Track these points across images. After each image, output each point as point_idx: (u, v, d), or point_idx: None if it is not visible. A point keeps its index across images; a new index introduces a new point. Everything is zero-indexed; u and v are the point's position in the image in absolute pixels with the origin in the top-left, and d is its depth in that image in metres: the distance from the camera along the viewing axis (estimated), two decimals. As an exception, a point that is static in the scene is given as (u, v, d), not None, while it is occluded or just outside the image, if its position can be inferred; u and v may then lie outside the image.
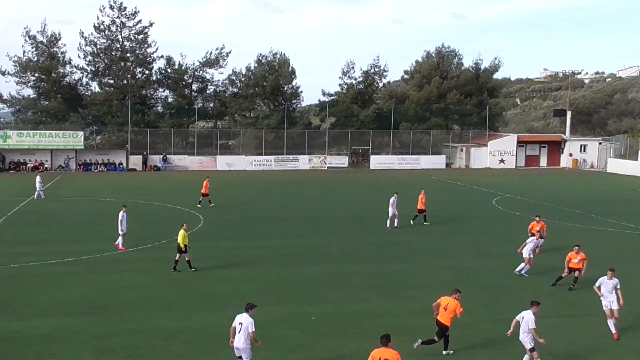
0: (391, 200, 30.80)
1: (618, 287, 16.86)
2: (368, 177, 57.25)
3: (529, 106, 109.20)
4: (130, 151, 63.20)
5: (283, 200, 41.03)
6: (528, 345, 13.81)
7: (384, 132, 68.25)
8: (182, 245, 21.93)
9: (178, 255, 22.11)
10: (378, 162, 66.40)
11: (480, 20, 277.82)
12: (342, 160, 66.43)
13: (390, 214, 30.65)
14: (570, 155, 69.18)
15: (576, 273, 20.33)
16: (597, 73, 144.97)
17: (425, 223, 31.52)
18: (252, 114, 69.80)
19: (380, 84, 74.08)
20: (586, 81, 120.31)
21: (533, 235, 23.62)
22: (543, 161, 70.10)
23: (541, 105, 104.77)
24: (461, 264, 23.98)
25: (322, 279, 21.46)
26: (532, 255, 22.36)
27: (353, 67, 71.78)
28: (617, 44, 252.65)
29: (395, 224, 30.67)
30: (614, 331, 16.26)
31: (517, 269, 22.27)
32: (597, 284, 17.09)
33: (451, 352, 14.82)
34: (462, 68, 74.44)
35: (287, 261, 23.99)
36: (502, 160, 67.87)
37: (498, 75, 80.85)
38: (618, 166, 63.44)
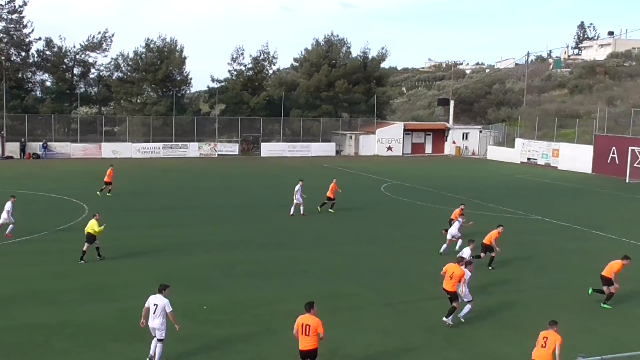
0: (296, 188, 30.95)
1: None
2: (259, 165, 57.14)
3: (415, 95, 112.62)
4: (6, 138, 59.67)
5: (172, 189, 40.18)
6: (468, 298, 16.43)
7: (274, 119, 68.28)
8: (93, 234, 21.38)
9: (86, 245, 21.41)
10: (269, 149, 66.41)
11: (369, 10, 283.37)
12: (233, 148, 65.90)
13: (295, 202, 30.82)
14: (454, 142, 72.05)
15: (492, 253, 21.81)
16: (477, 64, 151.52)
17: (330, 210, 31.78)
18: (139, 100, 67.71)
19: (270, 71, 73.96)
20: (467, 72, 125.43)
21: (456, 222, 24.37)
22: (428, 148, 72.62)
23: (426, 94, 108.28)
24: (352, 249, 24.46)
25: (214, 267, 21.25)
26: (458, 235, 23.64)
27: (242, 54, 71.23)
28: (495, 37, 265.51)
29: (301, 211, 30.84)
30: None
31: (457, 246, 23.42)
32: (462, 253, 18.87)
33: (451, 322, 15.96)
34: (351, 57, 75.57)
35: (177, 250, 23.54)
36: (389, 148, 69.71)
37: (385, 65, 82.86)
38: (497, 153, 66.79)
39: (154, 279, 19.56)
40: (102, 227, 21.68)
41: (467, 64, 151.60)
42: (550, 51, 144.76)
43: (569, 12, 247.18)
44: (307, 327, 12.28)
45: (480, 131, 72.73)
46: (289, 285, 19.36)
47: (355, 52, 76.95)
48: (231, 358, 14.02)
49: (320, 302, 16.05)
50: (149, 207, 32.75)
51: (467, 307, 16.39)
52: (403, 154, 70.18)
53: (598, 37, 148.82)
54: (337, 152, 69.30)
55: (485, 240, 22.11)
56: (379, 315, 16.90)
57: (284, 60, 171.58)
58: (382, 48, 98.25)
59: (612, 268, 18.25)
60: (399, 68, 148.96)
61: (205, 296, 17.96)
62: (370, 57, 76.33)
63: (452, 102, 75.06)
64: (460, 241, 23.66)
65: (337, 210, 32.30)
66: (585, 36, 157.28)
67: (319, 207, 31.91)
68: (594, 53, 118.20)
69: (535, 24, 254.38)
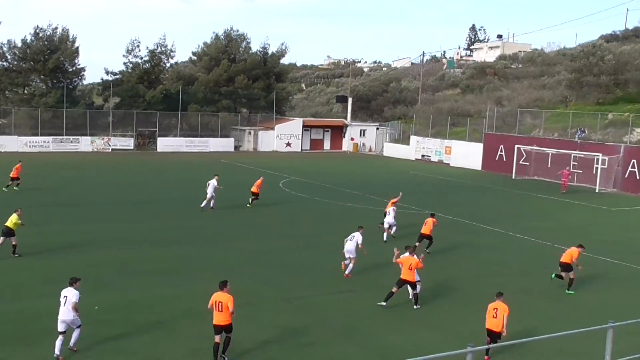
0: (210, 182, 31.11)
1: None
2: (156, 160, 55.81)
3: (314, 91, 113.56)
4: None
5: (62, 184, 38.52)
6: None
7: (171, 113, 66.82)
8: (13, 228, 21.13)
9: (14, 239, 21.13)
10: (165, 144, 64.94)
11: (269, 5, 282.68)
12: (128, 142, 63.96)
13: (208, 196, 30.87)
14: (352, 139, 73.22)
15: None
16: (375, 62, 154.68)
17: (248, 205, 32.41)
18: (26, 91, 64.36)
19: (168, 65, 72.34)
20: (365, 69, 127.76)
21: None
22: (327, 145, 73.42)
23: (325, 91, 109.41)
24: (251, 245, 24.35)
25: (107, 266, 20.55)
26: (394, 222, 26.08)
27: (139, 46, 69.21)
28: (392, 36, 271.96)
29: (212, 206, 30.91)
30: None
31: (392, 232, 26.16)
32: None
33: (419, 306, 17.43)
34: (250, 52, 75.17)
35: (68, 249, 22.59)
36: (288, 144, 69.93)
37: (285, 61, 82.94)
38: (393, 150, 68.49)
39: (41, 279, 18.71)
40: (20, 222, 21.46)
41: (365, 62, 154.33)
42: (444, 52, 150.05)
43: (461, 15, 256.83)
44: (220, 304, 13.38)
45: (377, 128, 74.27)
46: (186, 283, 19.03)
47: (255, 47, 76.69)
48: (123, 359, 13.61)
49: (218, 299, 15.90)
50: (37, 204, 31.22)
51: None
52: (302, 150, 70.59)
53: (488, 39, 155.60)
54: (236, 147, 68.77)
55: (423, 231, 23.94)
56: (276, 311, 16.92)
57: (182, 53, 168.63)
58: (282, 44, 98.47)
59: (571, 255, 19.69)
60: (298, 65, 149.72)
61: (97, 296, 17.32)
62: (270, 52, 76.22)
63: (350, 100, 76.20)
64: (395, 228, 26.06)
65: (236, 206, 32.06)
66: (477, 38, 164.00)
67: (249, 204, 32.43)
68: (484, 55, 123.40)
69: (430, 25, 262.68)
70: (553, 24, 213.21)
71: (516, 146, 50.98)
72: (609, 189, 44.57)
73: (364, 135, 73.81)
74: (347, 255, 20.47)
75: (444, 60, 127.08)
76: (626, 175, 44.36)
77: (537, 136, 53.88)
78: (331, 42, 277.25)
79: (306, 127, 71.65)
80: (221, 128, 68.56)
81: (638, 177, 43.50)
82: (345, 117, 75.30)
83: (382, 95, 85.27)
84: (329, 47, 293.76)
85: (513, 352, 14.09)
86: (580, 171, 45.35)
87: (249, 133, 70.23)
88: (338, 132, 73.82)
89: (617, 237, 28.72)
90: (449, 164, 59.53)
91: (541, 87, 70.42)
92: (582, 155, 46.40)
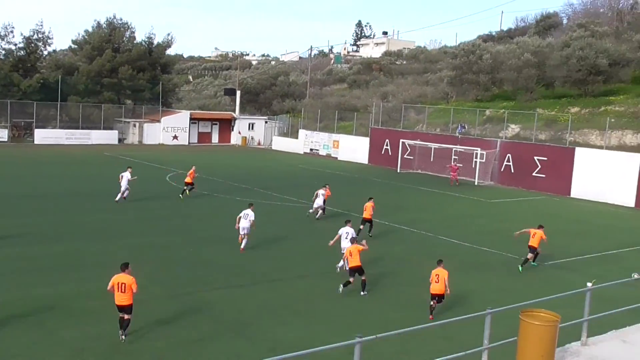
0: (123, 174, 31.37)
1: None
2: (33, 152, 53.02)
3: (201, 84, 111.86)
4: None
5: None
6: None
7: (50, 104, 63.63)
8: None
9: None
10: (44, 136, 61.78)
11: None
12: (2, 134, 60.32)
13: (122, 188, 31.16)
14: (240, 132, 72.79)
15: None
16: (263, 56, 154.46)
17: (181, 195, 33.42)
18: None
19: (45, 52, 68.80)
20: (254, 62, 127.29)
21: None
22: (215, 138, 72.59)
23: (213, 83, 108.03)
24: (138, 241, 23.69)
25: (-21, 266, 19.32)
26: (323, 206, 29.57)
27: (12, 32, 65.32)
28: (280, 30, 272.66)
29: (124, 196, 31.26)
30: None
31: (315, 215, 29.35)
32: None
33: (365, 292, 18.48)
34: (135, 42, 72.87)
35: None
36: (175, 137, 68.51)
37: (171, 52, 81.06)
38: (282, 144, 68.75)
39: None
40: None
41: (254, 55, 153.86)
42: (331, 47, 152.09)
43: (348, 11, 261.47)
44: (123, 285, 14.05)
45: (266, 122, 74.25)
46: (67, 282, 18.24)
47: (140, 37, 74.38)
48: (0, 364, 12.88)
49: (100, 297, 15.37)
50: None
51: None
52: (189, 143, 69.39)
53: (374, 36, 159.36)
54: (120, 140, 66.54)
55: (365, 216, 25.89)
56: (164, 308, 16.58)
57: (62, 41, 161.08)
58: (168, 34, 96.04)
59: (540, 237, 21.97)
60: (185, 56, 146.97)
61: (-32, 298, 16.27)
62: (155, 43, 74.21)
63: (238, 93, 75.69)
64: (321, 211, 29.42)
65: (123, 201, 31.08)
66: (363, 34, 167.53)
67: (181, 195, 33.36)
68: (371, 51, 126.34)
69: (318, 20, 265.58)
70: (435, 22, 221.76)
71: (401, 140, 52.58)
72: (486, 182, 46.95)
73: (252, 128, 73.57)
74: (242, 232, 22.80)
75: (332, 55, 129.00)
76: (502, 169, 46.89)
77: (421, 131, 55.85)
78: (219, 34, 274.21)
79: (194, 120, 70.48)
80: (104, 120, 66.06)
81: (513, 171, 46.11)
82: (234, 110, 74.74)
83: (271, 89, 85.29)
84: (217, 38, 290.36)
85: (401, 341, 14.55)
86: (461, 165, 47.45)
87: (134, 125, 68.16)
88: (226, 125, 73.15)
89: (493, 227, 30.32)
90: (337, 158, 60.48)
91: (424, 84, 72.95)
92: (462, 150, 48.57)
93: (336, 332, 15.15)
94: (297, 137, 66.89)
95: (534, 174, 44.60)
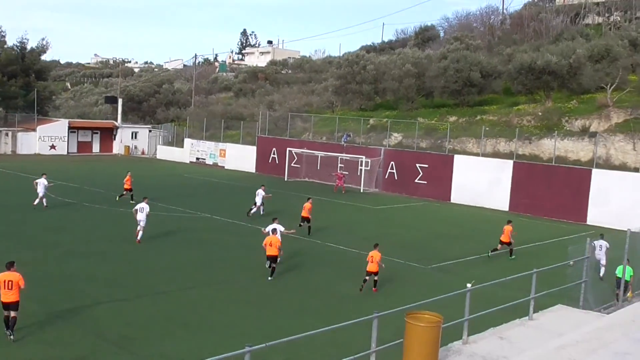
0: (39, 181, 32.43)
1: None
2: None
3: (80, 91, 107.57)
4: None
5: None
6: None
7: None
8: None
9: None
10: None
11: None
12: None
13: (40, 194, 32.23)
14: (121, 141, 70.55)
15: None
16: (146, 63, 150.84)
17: (121, 196, 35.84)
18: None
19: None
20: (136, 70, 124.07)
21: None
22: (96, 147, 69.90)
23: (93, 91, 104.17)
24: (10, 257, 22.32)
25: None
26: (262, 203, 33.47)
27: None
28: (164, 37, 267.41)
29: (37, 203, 32.24)
30: None
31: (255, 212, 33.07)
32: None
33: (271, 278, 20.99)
34: (6, 46, 68.91)
35: None
36: (53, 146, 65.40)
37: (46, 57, 77.48)
38: (167, 153, 67.30)
39: None
40: None
41: (136, 62, 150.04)
42: (216, 55, 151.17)
43: (233, 20, 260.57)
44: (10, 282, 14.50)
45: (150, 131, 72.47)
46: None
47: (11, 41, 70.46)
48: None
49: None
50: None
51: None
52: (68, 153, 66.43)
53: (259, 45, 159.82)
54: (-9, 150, 62.68)
55: (304, 214, 29.39)
56: (42, 327, 15.73)
57: None
58: (43, 39, 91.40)
59: (508, 231, 26.21)
60: (62, 62, 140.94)
61: None
62: (28, 48, 70.53)
63: (120, 101, 73.42)
64: (262, 207, 33.32)
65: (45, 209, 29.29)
66: (248, 43, 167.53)
67: (117, 198, 35.70)
68: (256, 59, 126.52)
69: (203, 28, 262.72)
70: (320, 33, 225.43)
71: (288, 149, 52.89)
72: (372, 189, 48.13)
73: (135, 137, 71.54)
74: (140, 225, 25.17)
75: (217, 64, 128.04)
76: (386, 176, 48.24)
77: (307, 139, 56.44)
78: (98, 40, 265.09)
79: (73, 129, 67.55)
80: (-28, 129, 61.93)
81: (396, 178, 47.54)
82: (116, 119, 72.35)
83: (154, 97, 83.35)
84: (97, 45, 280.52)
85: (291, 348, 14.56)
86: (347, 172, 48.36)
87: (6, 134, 64.35)
88: (108, 134, 70.69)
89: (379, 233, 31.08)
90: (224, 167, 59.97)
91: (310, 93, 73.85)
92: (348, 158, 49.54)
93: (225, 343, 14.96)
94: (182, 146, 65.74)
95: (416, 180, 46.19)
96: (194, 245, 26.05)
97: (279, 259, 21.78)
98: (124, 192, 35.89)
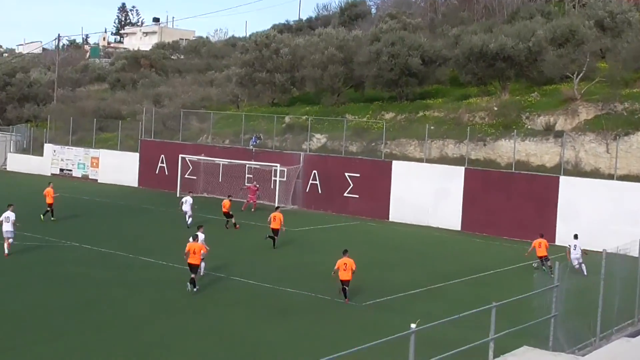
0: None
1: None
2: None
3: None
4: None
5: None
6: None
7: None
8: None
9: None
10: None
11: None
12: None
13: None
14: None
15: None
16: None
17: (52, 218, 37.99)
18: None
19: None
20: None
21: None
22: None
23: None
24: None
25: None
26: (190, 212, 38.48)
27: None
28: (16, 13, 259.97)
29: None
30: None
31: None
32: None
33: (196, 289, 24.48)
34: None
35: None
36: None
37: None
38: (20, 163, 65.33)
39: None
40: None
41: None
42: (86, 36, 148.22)
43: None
44: None
45: (-2, 134, 70.28)
46: None
47: None
48: None
49: None
50: None
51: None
52: None
53: (142, 23, 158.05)
54: None
55: (273, 226, 33.56)
56: None
57: None
58: None
59: (545, 245, 30.64)
60: None
61: None
62: None
63: (-43, 95, 70.81)
64: (191, 218, 38.10)
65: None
66: (128, 21, 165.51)
67: (41, 216, 37.69)
68: (138, 42, 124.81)
69: (68, 2, 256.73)
70: (220, 8, 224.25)
71: (180, 156, 52.20)
72: (289, 206, 48.02)
73: (-22, 143, 69.11)
74: (6, 237, 28.27)
75: (87, 47, 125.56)
76: (307, 189, 48.32)
77: (206, 143, 55.97)
78: None
79: None
80: None
81: (320, 191, 47.68)
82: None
83: (5, 90, 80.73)
84: None
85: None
86: (258, 185, 48.08)
87: None
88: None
89: (299, 262, 31.06)
90: (96, 180, 58.76)
91: (208, 84, 73.35)
92: (258, 167, 49.36)
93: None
94: (42, 154, 63.95)
95: (345, 194, 46.50)
96: (55, 282, 25.29)
97: (201, 271, 25.61)
98: (48, 209, 38.16)
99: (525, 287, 20.17)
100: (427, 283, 27.92)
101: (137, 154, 57.03)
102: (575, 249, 29.73)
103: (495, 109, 48.55)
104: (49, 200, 38.26)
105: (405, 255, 34.47)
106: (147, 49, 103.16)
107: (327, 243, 36.04)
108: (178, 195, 50.91)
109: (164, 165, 54.97)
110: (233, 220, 38.47)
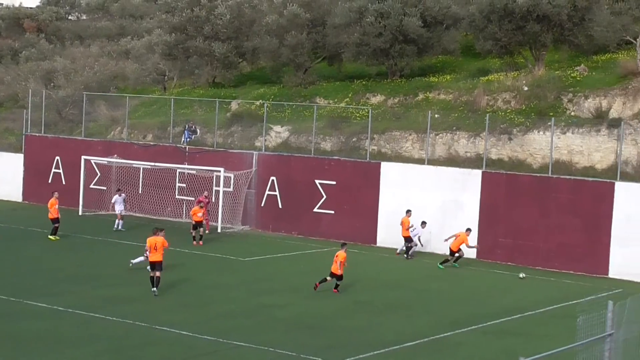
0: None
1: None
2: None
3: None
4: None
5: None
6: None
7: None
8: None
9: None
10: None
11: None
12: None
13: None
14: None
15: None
16: None
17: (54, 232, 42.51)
18: None
19: None
20: None
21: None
22: None
23: None
24: None
25: None
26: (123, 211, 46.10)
27: None
28: None
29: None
30: None
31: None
32: None
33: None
34: None
35: None
36: None
37: None
38: None
39: None
40: None
41: None
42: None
43: None
44: None
45: None
46: None
47: None
48: None
49: None
50: None
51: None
52: None
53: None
54: None
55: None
56: None
57: None
58: None
59: (463, 241, 38.99)
60: None
61: None
62: None
63: None
64: (121, 222, 46.11)
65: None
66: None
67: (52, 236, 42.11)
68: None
69: None
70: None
71: (84, 158, 51.92)
72: (238, 227, 48.00)
73: None
74: None
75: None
76: (263, 203, 48.33)
77: (119, 139, 55.76)
78: None
79: None
80: None
81: (281, 205, 47.68)
82: None
83: None
84: None
85: None
86: (193, 198, 47.96)
87: None
88: None
89: (250, 303, 31.15)
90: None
91: (122, 55, 73.24)
92: (193, 172, 49.26)
93: None
94: None
95: (316, 209, 46.66)
96: None
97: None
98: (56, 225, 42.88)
99: (565, 337, 20.41)
100: (430, 332, 28.07)
101: (21, 155, 56.67)
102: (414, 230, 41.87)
103: (526, 88, 48.69)
104: (53, 214, 42.90)
105: (401, 294, 34.60)
106: (33, 5, 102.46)
107: (289, 278, 36.18)
108: (80, 214, 50.83)
109: (60, 171, 54.68)
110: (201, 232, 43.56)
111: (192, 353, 24.99)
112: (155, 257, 30.41)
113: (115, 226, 46.46)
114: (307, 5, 57.85)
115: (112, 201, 47.72)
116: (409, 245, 42.10)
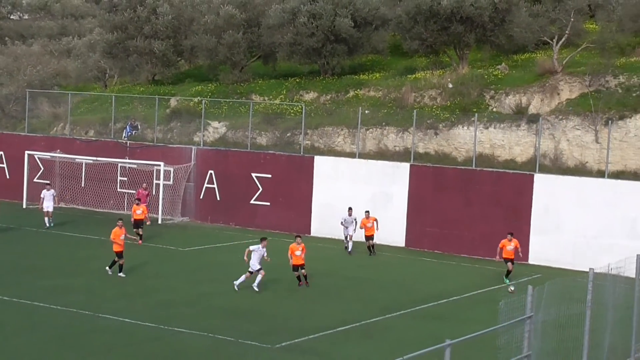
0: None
1: None
2: None
3: None
4: None
5: None
6: None
7: None
8: None
9: None
10: None
11: None
12: None
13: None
14: None
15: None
16: None
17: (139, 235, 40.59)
18: None
19: None
20: None
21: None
22: None
23: None
24: None
25: None
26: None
27: None
28: None
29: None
30: None
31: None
32: None
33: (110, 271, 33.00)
34: None
35: None
36: None
37: None
38: None
39: None
40: None
41: None
42: None
43: None
44: None
45: None
46: None
47: None
48: None
49: None
50: None
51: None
52: None
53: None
54: None
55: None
56: None
57: None
58: None
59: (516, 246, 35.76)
60: None
61: None
62: None
63: None
64: (52, 219, 44.47)
65: None
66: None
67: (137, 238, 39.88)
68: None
69: None
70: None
71: (27, 152, 51.48)
72: (177, 218, 47.98)
73: None
74: None
75: None
76: (201, 195, 48.30)
77: (62, 135, 55.28)
78: None
79: None
80: None
81: (218, 197, 47.68)
82: None
83: None
84: None
85: None
86: (134, 191, 47.78)
87: None
88: None
89: (191, 292, 31.17)
90: None
91: (64, 54, 72.31)
92: (134, 166, 49.04)
93: None
94: None
95: (252, 201, 46.73)
96: None
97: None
98: (139, 228, 41.37)
99: (489, 320, 20.66)
100: (361, 317, 28.31)
101: (-35, 151, 56.08)
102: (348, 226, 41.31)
103: (450, 86, 49.05)
104: (139, 215, 41.58)
105: (333, 281, 34.78)
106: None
107: (227, 267, 36.15)
108: (24, 207, 50.36)
109: (4, 165, 54.14)
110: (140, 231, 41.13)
111: (134, 340, 25.00)
112: (117, 247, 33.30)
113: (47, 224, 44.93)
114: (242, 6, 57.86)
115: (41, 196, 45.55)
116: (372, 243, 41.10)
